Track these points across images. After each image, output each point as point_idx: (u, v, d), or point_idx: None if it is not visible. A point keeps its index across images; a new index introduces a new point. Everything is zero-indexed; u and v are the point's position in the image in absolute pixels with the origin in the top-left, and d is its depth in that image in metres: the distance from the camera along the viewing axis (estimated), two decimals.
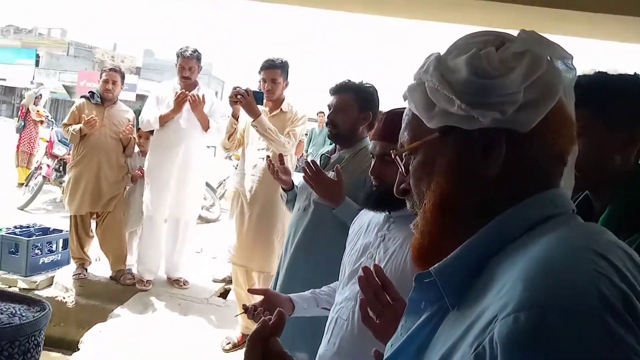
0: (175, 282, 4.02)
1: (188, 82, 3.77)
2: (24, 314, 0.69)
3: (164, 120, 3.73)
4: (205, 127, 3.80)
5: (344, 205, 1.86)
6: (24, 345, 0.64)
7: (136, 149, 4.11)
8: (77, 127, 3.72)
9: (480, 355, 0.48)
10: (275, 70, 3.18)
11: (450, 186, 0.62)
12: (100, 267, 4.06)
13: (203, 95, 3.73)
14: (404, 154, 0.71)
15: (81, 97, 3.97)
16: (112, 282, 3.91)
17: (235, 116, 3.22)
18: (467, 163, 0.61)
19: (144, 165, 3.93)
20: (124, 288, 3.84)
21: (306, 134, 4.38)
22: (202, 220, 6.83)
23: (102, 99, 3.88)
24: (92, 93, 3.90)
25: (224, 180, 7.45)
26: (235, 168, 3.69)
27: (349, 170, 1.98)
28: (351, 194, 1.84)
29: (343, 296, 1.43)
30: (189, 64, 3.73)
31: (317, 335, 1.51)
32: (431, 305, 0.63)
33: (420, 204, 0.67)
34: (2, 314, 0.66)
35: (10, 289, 0.66)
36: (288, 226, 2.28)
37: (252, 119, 2.96)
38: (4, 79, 27.72)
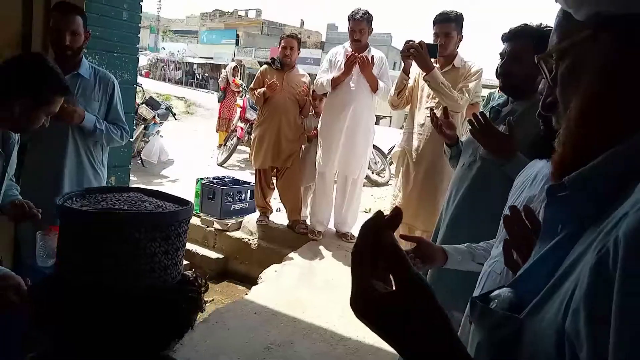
0: (342, 236, 4.26)
1: (359, 44, 3.86)
2: (167, 207, 0.82)
3: (335, 82, 3.91)
4: (374, 88, 3.88)
5: (516, 161, 1.70)
6: (164, 232, 0.76)
7: (312, 110, 4.40)
8: (261, 90, 4.14)
9: (603, 259, 0.43)
10: (448, 24, 3.07)
11: (601, 91, 0.55)
12: (279, 217, 4.52)
13: (372, 57, 3.79)
14: (551, 60, 0.63)
15: (264, 63, 4.38)
16: (289, 230, 4.33)
17: (406, 71, 3.21)
18: (623, 64, 0.53)
19: (318, 125, 4.20)
20: (298, 236, 4.22)
21: (483, 98, 4.12)
22: (372, 183, 7.03)
23: (282, 64, 4.22)
24: (273, 59, 4.27)
25: (394, 146, 7.50)
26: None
27: (522, 124, 1.77)
28: (524, 150, 1.68)
29: (499, 250, 1.36)
30: (359, 27, 3.81)
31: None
32: (567, 227, 0.57)
33: (565, 114, 0.60)
34: (149, 204, 0.80)
35: (168, 193, 0.79)
36: (450, 183, 2.21)
37: (425, 73, 2.91)
38: (212, 58, 31.95)
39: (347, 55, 3.82)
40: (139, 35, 3.14)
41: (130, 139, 2.91)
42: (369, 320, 0.49)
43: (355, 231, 4.29)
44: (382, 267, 0.51)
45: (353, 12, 3.87)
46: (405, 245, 1.58)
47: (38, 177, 2.32)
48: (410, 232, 3.32)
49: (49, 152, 2.34)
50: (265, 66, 4.30)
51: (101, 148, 2.51)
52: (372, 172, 7.10)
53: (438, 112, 2.35)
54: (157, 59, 33.66)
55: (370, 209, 5.37)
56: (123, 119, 2.55)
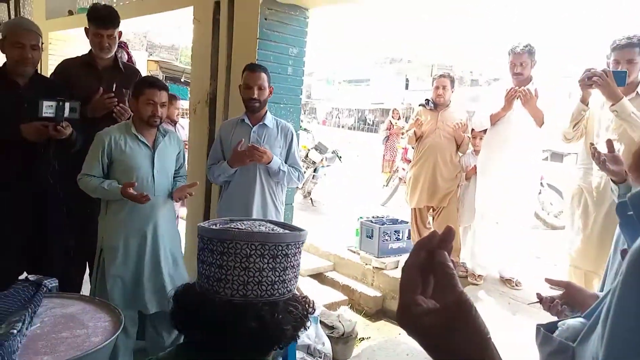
0: (507, 282, 3.96)
1: (520, 78, 3.68)
2: (279, 232, 0.94)
3: (494, 118, 3.77)
4: (540, 122, 3.62)
5: None
6: (272, 251, 0.87)
7: (470, 148, 4.28)
8: (411, 130, 4.20)
9: None
10: (632, 49, 2.79)
11: None
12: None
13: (536, 90, 3.57)
14: None
15: (419, 105, 4.44)
16: None
17: (584, 101, 2.95)
18: None
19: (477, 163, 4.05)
20: None
21: None
22: (548, 226, 6.40)
23: (435, 104, 4.23)
24: (427, 100, 4.31)
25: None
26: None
27: None
28: None
29: None
30: (519, 60, 3.65)
31: None
32: None
33: None
34: (265, 229, 0.93)
35: (294, 225, 0.86)
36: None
37: (611, 103, 2.66)
38: (382, 103, 33.13)
39: (506, 89, 3.67)
40: (301, 87, 3.50)
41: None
42: (412, 332, 0.51)
43: (520, 277, 3.94)
44: (433, 283, 0.53)
45: (514, 45, 3.72)
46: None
47: (230, 212, 2.69)
48: (589, 279, 2.95)
49: (240, 191, 2.73)
50: (420, 107, 4.36)
51: (281, 188, 2.85)
52: (548, 214, 6.48)
53: (600, 146, 2.11)
54: (333, 108, 36.19)
55: (542, 256, 4.88)
56: (300, 163, 2.89)
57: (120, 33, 2.88)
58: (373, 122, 34.48)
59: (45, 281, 1.78)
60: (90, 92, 2.74)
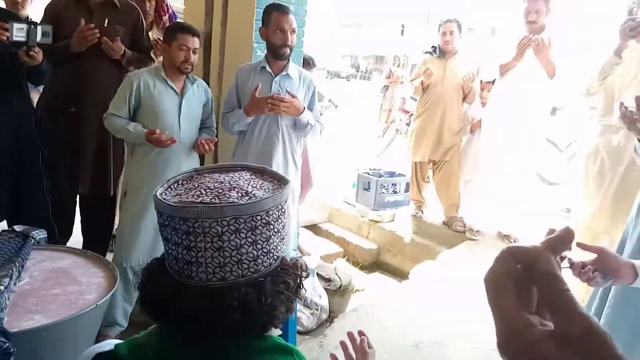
0: (505, 238, 3.93)
1: (534, 26, 3.49)
2: (255, 195, 0.78)
3: (504, 68, 3.60)
4: (551, 74, 3.46)
5: None
6: (250, 223, 0.74)
7: (477, 100, 4.11)
8: (418, 80, 3.99)
9: None
10: None
11: None
12: (435, 212, 4.35)
13: (549, 39, 3.38)
14: None
15: (425, 52, 4.21)
16: (444, 227, 4.14)
17: (619, 53, 2.71)
18: None
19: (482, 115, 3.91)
20: (454, 234, 4.01)
21: None
22: (545, 181, 6.35)
23: (443, 52, 4.00)
24: (433, 47, 4.07)
25: (574, 141, 6.67)
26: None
27: None
28: None
29: None
30: (535, 7, 3.44)
31: None
32: None
33: None
34: (237, 192, 0.77)
35: (274, 172, 0.73)
36: None
37: None
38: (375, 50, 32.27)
39: (519, 38, 3.47)
40: (304, 29, 3.26)
41: None
42: None
43: (519, 233, 3.91)
44: (532, 298, 0.40)
45: None
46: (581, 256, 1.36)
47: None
48: (597, 237, 2.88)
49: (259, 147, 2.53)
50: (426, 55, 4.14)
51: (300, 144, 2.67)
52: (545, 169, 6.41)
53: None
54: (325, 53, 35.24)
55: (541, 210, 4.84)
56: (320, 115, 2.70)
57: None
58: (367, 70, 33.74)
59: (33, 232, 1.65)
60: (76, 27, 2.54)
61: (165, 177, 2.33)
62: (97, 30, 2.53)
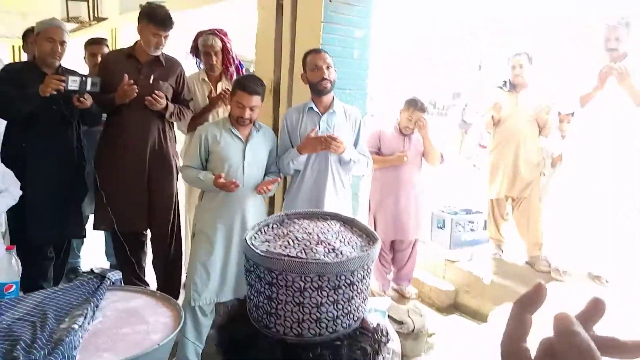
0: (596, 278, 3.59)
1: (614, 53, 3.31)
2: (342, 252, 0.75)
3: (585, 99, 3.41)
4: (638, 100, 3.21)
5: None
6: (333, 282, 0.72)
7: (557, 133, 3.90)
8: (489, 114, 3.87)
9: None
10: None
11: None
12: (517, 250, 4.09)
13: (632, 67, 3.16)
14: None
15: (496, 87, 4.08)
16: (527, 267, 3.87)
17: None
18: None
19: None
20: (538, 274, 3.73)
21: None
22: None
23: (513, 85, 3.87)
24: (504, 82, 3.94)
25: None
26: None
27: None
28: None
29: None
30: (614, 34, 3.31)
31: None
32: None
33: None
34: (324, 248, 0.75)
35: (364, 225, 0.70)
36: None
37: None
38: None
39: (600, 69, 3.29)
40: (367, 72, 3.32)
41: None
42: None
43: (612, 274, 3.55)
44: None
45: (607, 18, 3.33)
46: None
47: (302, 200, 2.66)
48: None
49: (312, 182, 2.66)
50: (497, 89, 4.01)
51: (349, 177, 2.77)
52: None
53: None
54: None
55: None
56: (367, 149, 2.80)
57: None
58: (443, 107, 33.26)
59: (109, 274, 1.78)
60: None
61: (230, 220, 2.49)
62: (135, 87, 2.77)
